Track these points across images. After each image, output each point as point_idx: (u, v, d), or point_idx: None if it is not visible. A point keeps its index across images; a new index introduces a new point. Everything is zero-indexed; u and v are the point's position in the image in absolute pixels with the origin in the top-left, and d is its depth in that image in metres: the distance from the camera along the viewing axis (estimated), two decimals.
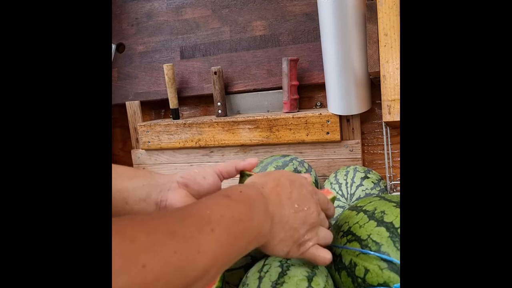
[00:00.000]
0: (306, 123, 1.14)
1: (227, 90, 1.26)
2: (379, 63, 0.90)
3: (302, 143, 1.17)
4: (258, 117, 1.18)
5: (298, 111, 1.17)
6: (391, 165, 1.05)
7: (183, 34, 1.30)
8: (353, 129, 1.15)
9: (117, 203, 0.57)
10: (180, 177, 0.59)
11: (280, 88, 1.19)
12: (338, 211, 0.97)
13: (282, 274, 0.57)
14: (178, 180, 0.59)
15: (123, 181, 0.57)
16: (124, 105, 1.38)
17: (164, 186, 0.59)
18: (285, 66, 1.12)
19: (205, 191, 0.58)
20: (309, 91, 1.22)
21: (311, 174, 0.57)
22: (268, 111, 1.25)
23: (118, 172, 0.58)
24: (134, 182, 0.57)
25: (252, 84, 1.23)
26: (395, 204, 0.63)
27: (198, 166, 0.60)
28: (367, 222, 0.62)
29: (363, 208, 0.66)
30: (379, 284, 0.56)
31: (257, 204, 0.43)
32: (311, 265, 0.60)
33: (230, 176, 0.60)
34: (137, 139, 1.38)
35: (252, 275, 0.60)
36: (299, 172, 1.01)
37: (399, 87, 0.85)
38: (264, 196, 0.45)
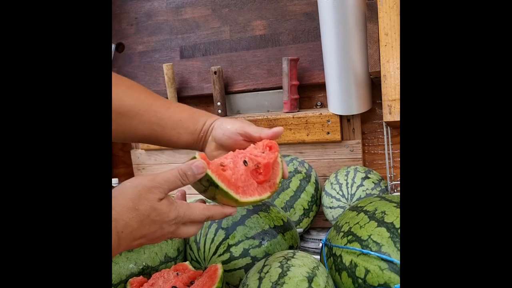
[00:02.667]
0: (307, 123, 1.13)
1: (227, 90, 1.26)
2: (380, 62, 0.90)
3: (303, 143, 1.16)
4: (258, 117, 1.18)
5: (298, 111, 1.17)
6: (391, 165, 1.05)
7: (182, 34, 1.29)
8: (353, 129, 1.14)
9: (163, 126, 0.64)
10: (213, 139, 0.66)
11: (280, 88, 1.19)
12: (338, 212, 0.97)
13: (282, 275, 0.57)
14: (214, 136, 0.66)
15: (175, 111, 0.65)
16: None
17: (201, 139, 0.67)
18: (285, 65, 1.12)
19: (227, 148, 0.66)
20: (309, 91, 1.21)
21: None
22: (268, 111, 1.25)
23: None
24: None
25: (252, 84, 1.23)
26: (395, 205, 0.63)
27: (235, 120, 0.67)
28: (368, 222, 0.62)
29: (364, 209, 0.66)
30: (379, 285, 0.56)
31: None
32: (312, 265, 0.60)
33: (251, 140, 0.65)
34: None
35: (252, 276, 0.60)
36: (299, 172, 1.01)
37: (399, 86, 0.85)
38: (118, 239, 0.47)
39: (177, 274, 0.62)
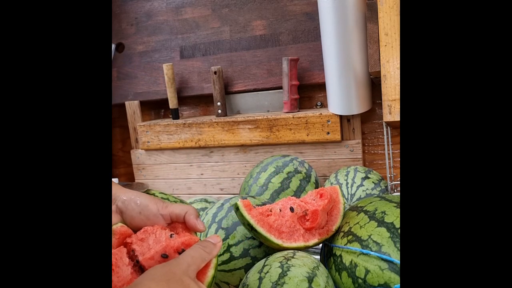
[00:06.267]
0: (307, 123, 1.13)
1: (227, 90, 1.26)
2: (380, 62, 0.90)
3: (303, 143, 1.16)
4: (258, 117, 1.18)
5: (298, 111, 1.17)
6: (392, 165, 1.05)
7: (182, 34, 1.29)
8: (353, 129, 1.14)
9: None
10: (121, 202, 0.57)
11: (280, 88, 1.19)
12: None
13: (282, 275, 0.57)
14: (118, 204, 0.57)
15: None
16: (124, 105, 1.37)
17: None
18: (285, 65, 1.12)
19: (137, 227, 0.56)
20: (309, 91, 1.21)
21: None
22: (268, 111, 1.25)
23: None
24: None
25: (252, 84, 1.23)
26: (395, 205, 0.63)
27: (144, 194, 0.58)
28: (368, 222, 0.62)
29: (364, 209, 0.66)
30: (379, 285, 0.56)
31: None
32: (312, 265, 0.60)
33: (175, 220, 0.57)
34: (136, 139, 1.38)
35: (252, 276, 0.60)
36: (299, 172, 1.01)
37: (399, 86, 0.85)
38: None
39: (171, 236, 0.54)
